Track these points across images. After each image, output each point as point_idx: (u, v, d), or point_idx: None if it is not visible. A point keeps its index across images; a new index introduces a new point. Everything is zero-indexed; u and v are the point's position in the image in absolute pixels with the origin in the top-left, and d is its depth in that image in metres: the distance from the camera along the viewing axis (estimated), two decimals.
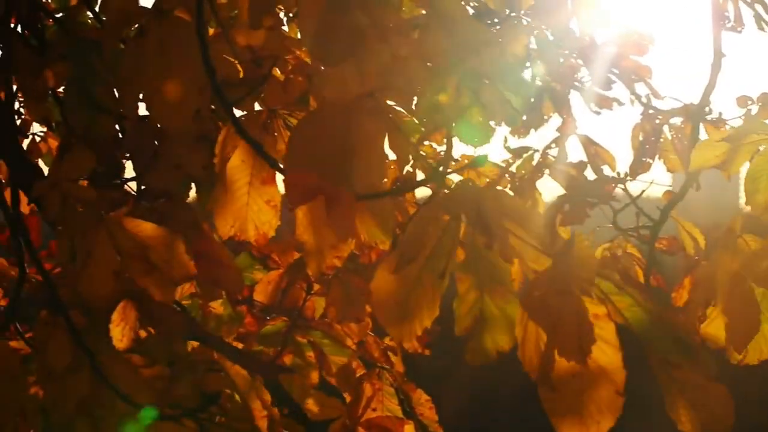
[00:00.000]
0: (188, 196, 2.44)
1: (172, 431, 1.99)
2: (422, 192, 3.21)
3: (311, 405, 2.72)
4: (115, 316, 1.92)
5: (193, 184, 2.46)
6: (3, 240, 2.96)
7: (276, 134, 2.19)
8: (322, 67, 1.79)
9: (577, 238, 1.52)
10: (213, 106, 2.34)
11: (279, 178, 2.19)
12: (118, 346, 1.92)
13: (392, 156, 1.84)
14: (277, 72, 2.35)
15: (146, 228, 1.95)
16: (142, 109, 2.14)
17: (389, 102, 1.71)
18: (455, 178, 2.95)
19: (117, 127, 2.40)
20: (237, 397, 2.14)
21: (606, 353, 1.50)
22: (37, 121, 2.54)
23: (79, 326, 1.98)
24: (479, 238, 1.57)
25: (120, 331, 1.92)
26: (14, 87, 2.53)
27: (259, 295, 2.82)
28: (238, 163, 2.18)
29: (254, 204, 2.22)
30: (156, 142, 2.33)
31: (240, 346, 2.67)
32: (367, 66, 1.68)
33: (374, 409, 2.73)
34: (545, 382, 1.51)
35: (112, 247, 1.91)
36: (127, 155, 2.37)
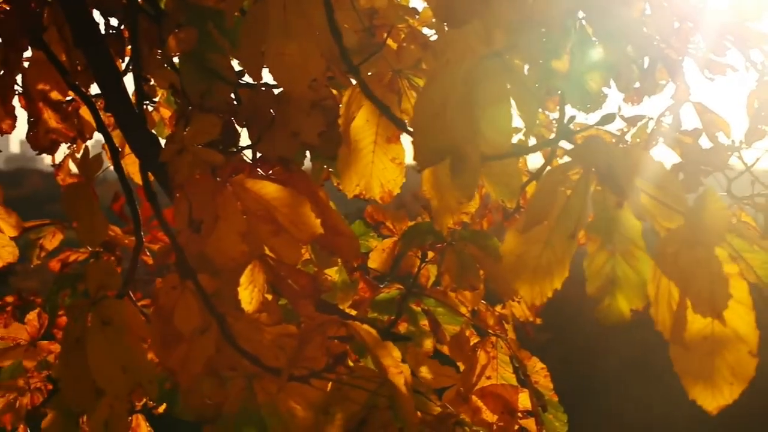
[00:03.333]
0: (303, 164, 2.45)
1: (300, 392, 2.01)
2: (533, 164, 3.21)
3: (425, 373, 2.71)
4: (244, 278, 1.93)
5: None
6: (117, 209, 2.99)
7: (401, 94, 2.19)
8: (446, 28, 1.78)
9: (709, 193, 1.51)
10: (329, 74, 2.34)
11: (404, 136, 2.19)
12: (246, 308, 1.93)
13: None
14: (389, 41, 2.35)
15: (271, 189, 1.96)
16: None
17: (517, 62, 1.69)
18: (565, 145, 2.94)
19: (232, 95, 2.41)
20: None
21: (738, 313, 1.48)
22: (163, 88, 2.56)
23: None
24: (609, 196, 1.55)
25: (249, 294, 1.93)
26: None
27: (374, 263, 2.82)
28: (362, 123, 2.18)
29: (379, 162, 2.23)
30: (272, 110, 2.34)
31: (354, 313, 2.67)
32: (493, 26, 1.67)
33: (488, 377, 2.71)
34: (677, 342, 1.50)
35: (239, 210, 1.93)
36: (243, 123, 2.38)
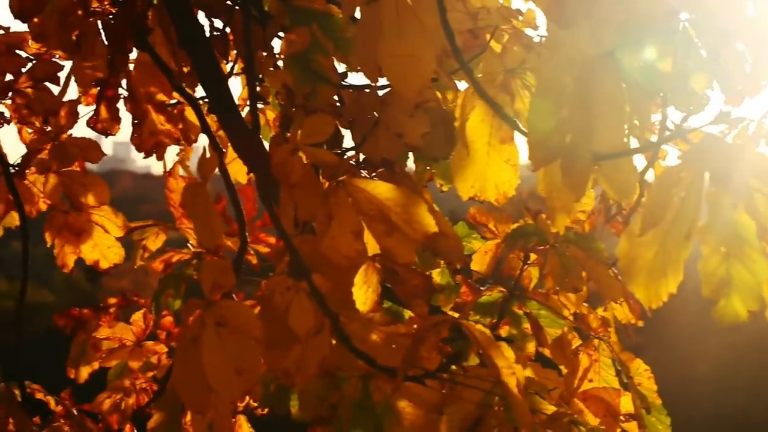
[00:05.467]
0: (406, 165, 2.46)
1: (415, 392, 2.02)
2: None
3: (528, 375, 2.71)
4: (358, 278, 1.94)
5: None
6: (220, 210, 3.02)
7: (514, 94, 2.19)
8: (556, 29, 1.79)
9: None
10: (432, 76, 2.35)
11: (517, 136, 2.20)
12: (361, 308, 1.94)
13: None
14: (493, 42, 2.35)
15: (384, 189, 1.97)
16: (361, 78, 2.18)
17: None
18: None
19: (336, 96, 2.43)
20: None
21: None
22: (276, 88, 2.58)
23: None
24: (724, 196, 1.56)
25: (363, 294, 1.94)
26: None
27: (476, 265, 2.82)
28: (477, 123, 2.19)
29: (494, 163, 2.23)
30: (375, 112, 2.35)
31: (456, 315, 2.67)
32: (602, 27, 1.68)
33: (591, 381, 2.70)
34: None
35: (353, 210, 1.94)
36: (347, 124, 2.40)
